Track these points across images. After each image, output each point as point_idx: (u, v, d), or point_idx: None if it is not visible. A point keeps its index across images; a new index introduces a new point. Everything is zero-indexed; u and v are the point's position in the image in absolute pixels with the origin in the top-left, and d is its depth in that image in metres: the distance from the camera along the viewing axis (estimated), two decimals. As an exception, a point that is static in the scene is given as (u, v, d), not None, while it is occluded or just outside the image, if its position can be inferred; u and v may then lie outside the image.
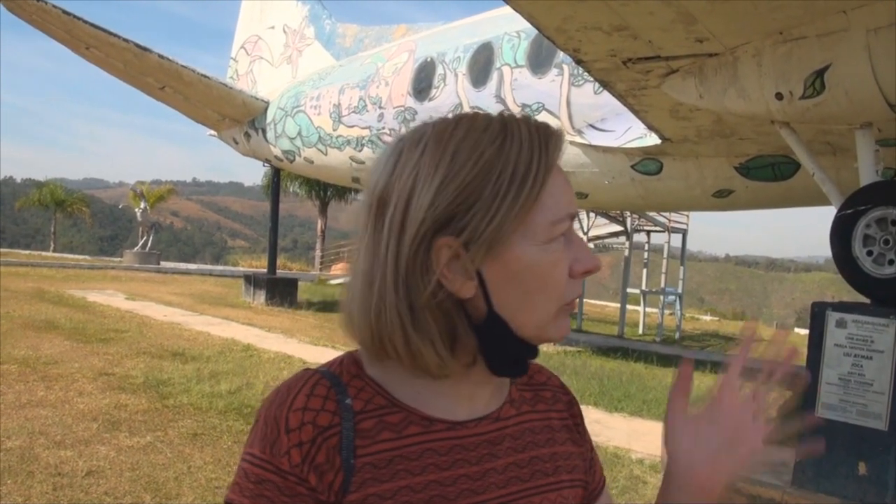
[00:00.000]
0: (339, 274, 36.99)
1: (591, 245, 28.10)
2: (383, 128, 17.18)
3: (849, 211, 6.80)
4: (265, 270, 25.83)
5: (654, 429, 10.48)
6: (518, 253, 1.11)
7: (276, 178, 24.96)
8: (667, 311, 28.84)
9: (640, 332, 27.74)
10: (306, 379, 1.17)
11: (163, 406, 9.06)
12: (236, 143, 23.11)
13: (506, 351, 1.16)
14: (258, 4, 24.47)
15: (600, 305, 38.77)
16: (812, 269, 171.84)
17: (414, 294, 1.10)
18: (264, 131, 21.42)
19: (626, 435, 9.82)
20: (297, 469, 1.09)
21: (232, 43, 25.51)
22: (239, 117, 22.04)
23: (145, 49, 19.08)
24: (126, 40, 18.69)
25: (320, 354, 13.88)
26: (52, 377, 10.10)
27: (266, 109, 21.38)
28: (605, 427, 10.15)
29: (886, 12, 6.02)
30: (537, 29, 7.32)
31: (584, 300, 27.90)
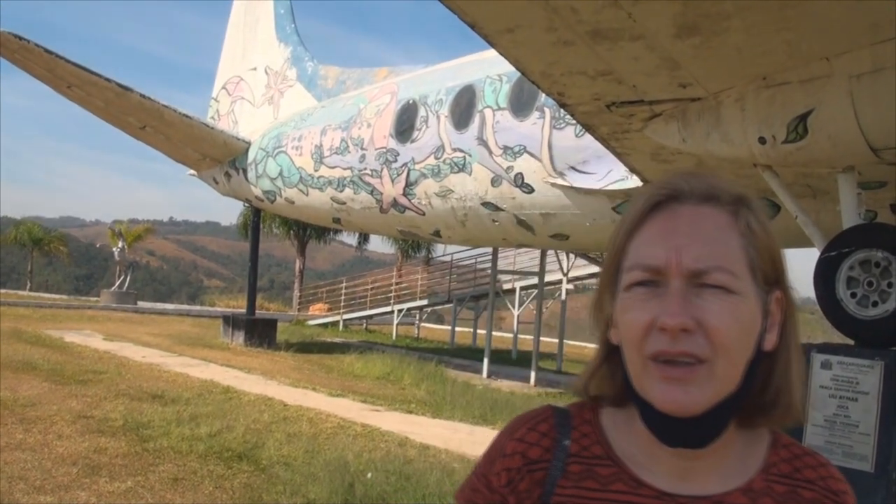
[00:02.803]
0: (317, 314, 36.84)
1: (570, 286, 28.18)
2: (365, 168, 17.24)
3: (832, 253, 6.88)
4: (243, 310, 25.67)
5: (638, 470, 10.44)
6: (615, 300, 1.18)
7: (256, 218, 24.91)
8: (645, 352, 28.78)
9: (620, 373, 27.63)
10: (537, 413, 1.29)
11: (143, 450, 8.97)
12: (216, 182, 23.08)
13: (640, 409, 1.17)
14: (240, 45, 24.59)
15: (579, 346, 38.69)
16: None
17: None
18: (245, 171, 21.42)
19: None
20: (503, 489, 1.23)
21: (213, 83, 25.58)
22: (220, 157, 22.04)
23: (127, 88, 19.10)
24: (108, 80, 18.71)
25: (301, 396, 13.81)
26: (31, 419, 9.98)
27: (247, 149, 21.40)
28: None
29: (869, 58, 6.15)
30: (522, 73, 7.39)
31: (564, 341, 27.77)
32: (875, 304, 6.62)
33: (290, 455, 9.42)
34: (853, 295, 6.75)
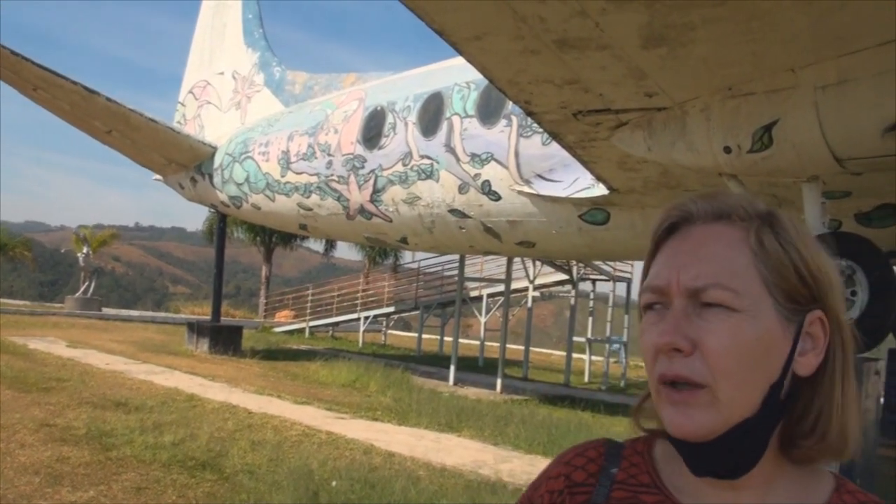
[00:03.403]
0: (283, 321, 36.63)
1: (536, 293, 28.27)
2: (332, 175, 17.18)
3: (797, 262, 6.93)
4: (208, 317, 25.44)
5: (603, 478, 10.46)
6: None
7: (222, 224, 24.69)
8: (612, 360, 28.96)
9: (586, 380, 27.79)
10: (589, 442, 1.30)
11: (106, 458, 8.84)
12: (182, 188, 22.89)
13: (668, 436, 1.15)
14: (208, 49, 24.42)
15: (545, 353, 38.86)
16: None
17: None
18: (211, 177, 21.27)
19: (576, 484, 9.78)
20: None
21: (180, 87, 25.38)
22: (185, 162, 21.86)
23: (93, 92, 18.88)
24: (74, 82, 18.49)
25: (266, 404, 13.69)
26: (-8, 428, 9.80)
27: (213, 155, 21.24)
28: (555, 476, 10.10)
29: (834, 70, 6.23)
30: (490, 81, 7.42)
31: (530, 348, 27.83)
32: (839, 311, 6.67)
33: (254, 463, 9.33)
34: (817, 303, 6.79)
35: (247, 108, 22.51)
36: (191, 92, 24.66)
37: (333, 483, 8.47)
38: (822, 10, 5.42)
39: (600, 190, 11.89)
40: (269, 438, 10.90)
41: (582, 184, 12.53)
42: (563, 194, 12.92)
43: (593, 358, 29.11)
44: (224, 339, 21.97)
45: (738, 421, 1.08)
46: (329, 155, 17.30)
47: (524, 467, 10.49)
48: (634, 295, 30.54)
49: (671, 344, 1.08)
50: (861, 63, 6.06)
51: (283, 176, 18.70)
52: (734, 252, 1.11)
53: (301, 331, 34.04)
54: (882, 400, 7.10)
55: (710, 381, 1.06)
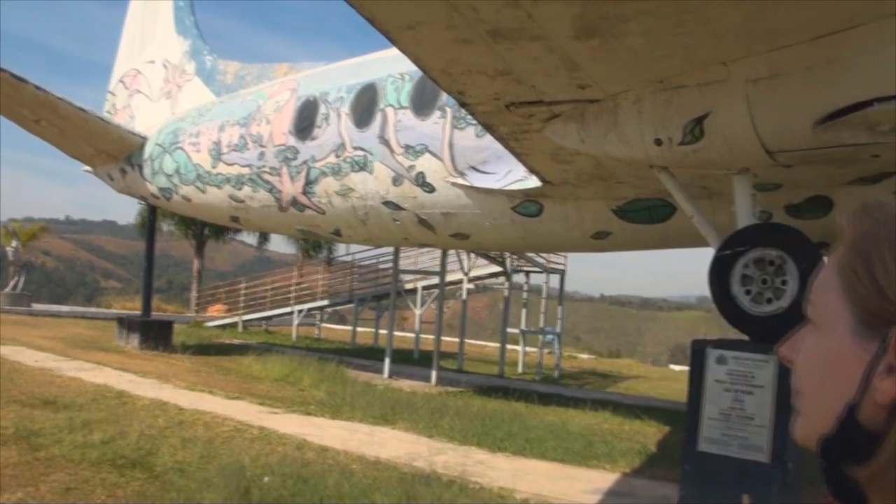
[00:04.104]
0: (215, 316, 36.13)
1: (471, 285, 28.31)
2: (264, 166, 16.93)
3: (727, 252, 7.04)
4: (139, 312, 24.95)
5: (537, 468, 10.54)
6: None
7: (152, 217, 24.22)
8: (545, 350, 29.17)
9: (520, 371, 27.95)
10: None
11: (34, 459, 8.61)
12: (112, 179, 22.34)
13: None
14: (139, 37, 23.84)
15: (480, 345, 39.01)
16: (684, 308, 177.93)
17: None
18: (141, 168, 20.79)
19: (509, 475, 9.82)
20: None
21: (110, 76, 24.76)
22: (115, 153, 21.33)
23: (21, 79, 18.27)
24: (1, 69, 17.89)
25: (197, 400, 13.48)
26: (-86, 429, 9.47)
27: (143, 145, 20.77)
28: (489, 468, 10.13)
29: (766, 64, 6.30)
30: (423, 71, 7.35)
31: (465, 340, 27.89)
32: (769, 300, 6.82)
33: (185, 461, 9.17)
34: (747, 292, 6.93)
35: (177, 98, 22.05)
36: (121, 81, 24.06)
37: (265, 479, 8.36)
38: (755, 4, 5.47)
39: (533, 182, 11.93)
40: (200, 435, 10.72)
41: (515, 176, 12.56)
42: (496, 186, 12.94)
43: (527, 349, 29.31)
44: (155, 334, 21.59)
45: (819, 437, 1.03)
46: (261, 146, 17.05)
47: (458, 459, 10.48)
48: (567, 286, 30.87)
49: (780, 355, 1.14)
50: (793, 57, 6.15)
51: (214, 167, 18.38)
52: (828, 265, 1.09)
53: (234, 325, 33.65)
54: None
55: (800, 391, 1.08)
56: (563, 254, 27.11)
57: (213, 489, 7.87)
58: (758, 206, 7.64)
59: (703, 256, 7.77)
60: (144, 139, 20.83)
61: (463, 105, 8.23)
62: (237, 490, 7.78)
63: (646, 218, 12.30)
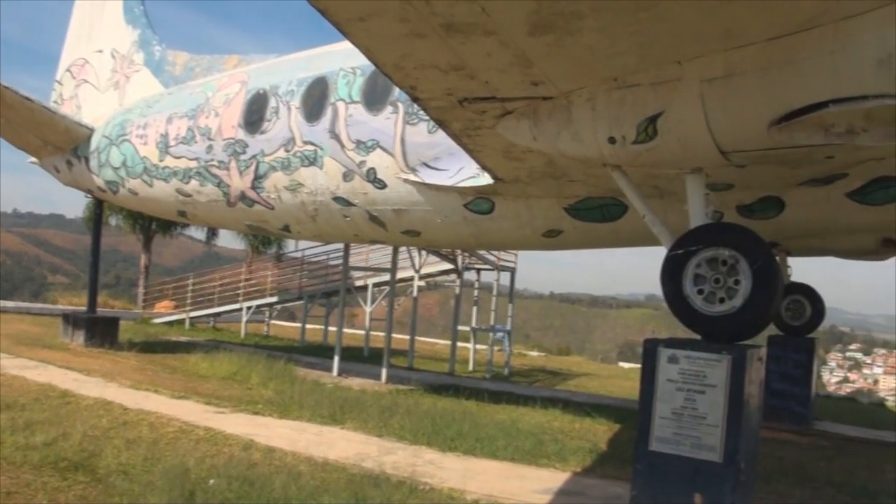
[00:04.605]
0: (163, 312, 35.58)
1: (422, 283, 28.20)
2: (212, 160, 16.65)
3: (680, 251, 7.01)
4: (85, 308, 24.45)
5: (488, 468, 10.47)
6: None
7: (99, 211, 23.77)
8: (496, 348, 29.20)
9: (471, 368, 27.95)
10: None
11: (-27, 463, 8.37)
12: (58, 171, 21.87)
13: None
14: (87, 26, 23.31)
15: (430, 343, 38.92)
16: (633, 306, 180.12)
17: None
18: (87, 160, 20.35)
19: (460, 475, 9.75)
20: None
21: (58, 65, 24.19)
22: (61, 144, 20.87)
23: (-39, 68, 17.77)
24: (-60, 58, 17.35)
25: (142, 399, 13.21)
26: None
27: (90, 137, 20.33)
28: (439, 468, 10.04)
29: (721, 64, 6.27)
30: (375, 64, 7.21)
31: (415, 338, 27.78)
32: (722, 300, 6.81)
33: (129, 463, 9.00)
34: (700, 292, 6.91)
35: (125, 89, 21.62)
36: (68, 70, 23.53)
37: (211, 482, 8.19)
38: (711, 3, 5.43)
39: (485, 179, 11.87)
40: (144, 436, 10.54)
41: (467, 173, 12.50)
42: (448, 183, 12.86)
43: (478, 346, 29.28)
44: (100, 331, 21.22)
45: None
46: (209, 139, 16.77)
47: (408, 459, 10.39)
48: (519, 285, 30.90)
49: None
50: (748, 57, 6.13)
51: (161, 160, 18.04)
52: None
53: (181, 322, 33.17)
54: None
55: None
56: (513, 251, 27.14)
57: (156, 493, 7.71)
58: (710, 206, 7.63)
59: (652, 255, 7.75)
60: (91, 130, 20.43)
61: (415, 100, 8.11)
62: (181, 493, 7.63)
63: (598, 216, 12.31)
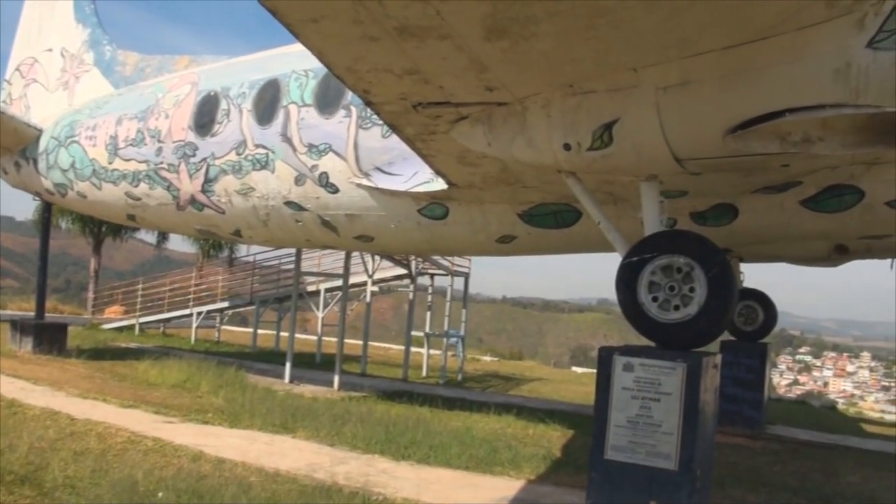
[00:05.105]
0: (112, 317, 34.95)
1: (375, 288, 28.03)
2: (162, 163, 16.34)
3: (634, 258, 6.99)
4: (34, 314, 23.91)
5: (442, 477, 10.37)
6: None
7: (47, 214, 23.29)
8: (450, 353, 29.14)
9: (424, 374, 27.85)
10: None
11: (-86, 479, 8.09)
12: (6, 173, 21.34)
13: None
14: (37, 24, 22.78)
15: (384, 348, 38.74)
16: (585, 310, 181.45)
17: None
18: (35, 161, 19.86)
19: (414, 485, 9.63)
20: None
21: (6, 64, 23.63)
22: (9, 145, 20.34)
23: None
24: None
25: (90, 409, 12.91)
26: None
27: (39, 138, 19.86)
28: (392, 477, 9.92)
29: (677, 72, 6.25)
30: (327, 67, 7.08)
31: (369, 343, 27.61)
32: (677, 307, 6.79)
33: (76, 476, 8.77)
34: (655, 299, 6.89)
35: (75, 89, 21.15)
36: (17, 69, 22.95)
37: (159, 495, 7.99)
38: (669, 10, 5.40)
39: (439, 184, 11.77)
40: (92, 447, 10.28)
41: (421, 178, 12.39)
42: (402, 188, 12.74)
43: (431, 352, 29.17)
44: (49, 337, 20.76)
45: None
46: (159, 141, 16.45)
47: (361, 468, 10.24)
48: (472, 289, 30.87)
49: None
50: (705, 65, 6.12)
51: (110, 162, 17.66)
52: None
53: (131, 328, 32.62)
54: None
55: None
56: (467, 257, 27.09)
57: (103, 507, 7.48)
58: (665, 214, 7.63)
59: (605, 259, 7.71)
60: (40, 131, 19.95)
61: (368, 104, 7.99)
62: (128, 507, 7.41)
63: (551, 223, 12.28)
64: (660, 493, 6.38)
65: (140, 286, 35.52)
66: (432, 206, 12.93)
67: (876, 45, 5.57)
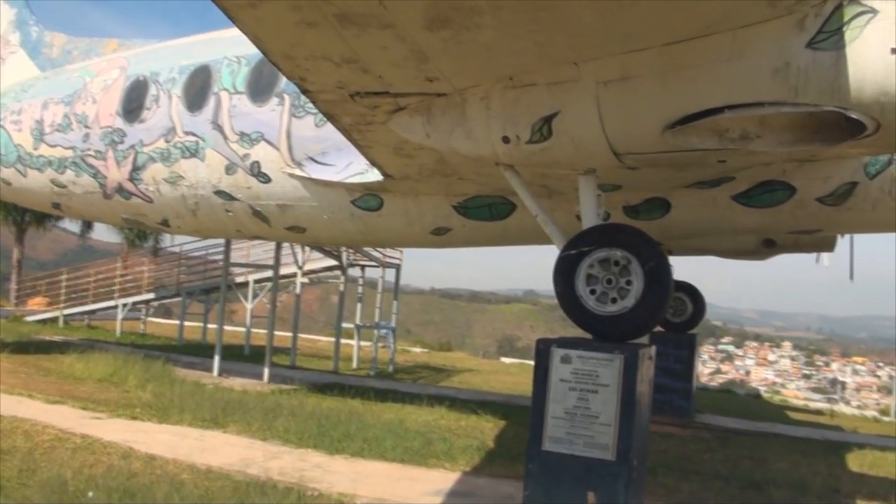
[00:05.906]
0: (36, 309, 34.00)
1: (304, 279, 27.77)
2: (88, 149, 15.86)
3: (572, 251, 7.02)
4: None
5: (377, 470, 10.31)
6: None
7: (-33, 202, 22.46)
8: (380, 345, 29.04)
9: (355, 366, 27.71)
10: None
11: None
12: (-74, 159, 20.48)
13: None
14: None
15: (312, 339, 38.42)
16: (512, 301, 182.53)
17: None
18: (-43, 147, 19.14)
19: (349, 479, 9.56)
20: None
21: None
22: (-69, 129, 19.54)
23: None
24: None
25: (15, 405, 12.51)
26: None
27: (-40, 122, 19.11)
28: (327, 472, 9.83)
29: (618, 66, 6.29)
30: (264, 53, 6.94)
31: (298, 335, 27.34)
32: (614, 300, 6.85)
33: (3, 475, 8.50)
34: (592, 292, 6.94)
35: (0, 71, 20.42)
36: (-59, 50, 22.08)
37: (89, 494, 7.79)
38: (611, 6, 5.43)
39: (374, 175, 11.67)
40: (19, 446, 9.96)
41: (355, 168, 12.27)
42: (335, 179, 12.60)
43: (362, 343, 29.02)
44: (-32, 330, 20.00)
45: None
46: (86, 127, 15.96)
47: (295, 463, 10.12)
48: (403, 280, 30.80)
49: None
50: (645, 61, 6.17)
51: (35, 148, 17.07)
52: None
53: (55, 320, 31.78)
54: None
55: None
56: (400, 248, 27.01)
57: (32, 507, 7.26)
58: (602, 207, 7.69)
59: (532, 251, 7.72)
60: (-37, 115, 19.19)
61: (304, 92, 7.87)
62: (58, 507, 7.20)
63: (486, 215, 12.28)
64: (597, 483, 6.44)
65: (64, 277, 34.67)
66: (366, 198, 12.82)
67: (815, 46, 5.69)
